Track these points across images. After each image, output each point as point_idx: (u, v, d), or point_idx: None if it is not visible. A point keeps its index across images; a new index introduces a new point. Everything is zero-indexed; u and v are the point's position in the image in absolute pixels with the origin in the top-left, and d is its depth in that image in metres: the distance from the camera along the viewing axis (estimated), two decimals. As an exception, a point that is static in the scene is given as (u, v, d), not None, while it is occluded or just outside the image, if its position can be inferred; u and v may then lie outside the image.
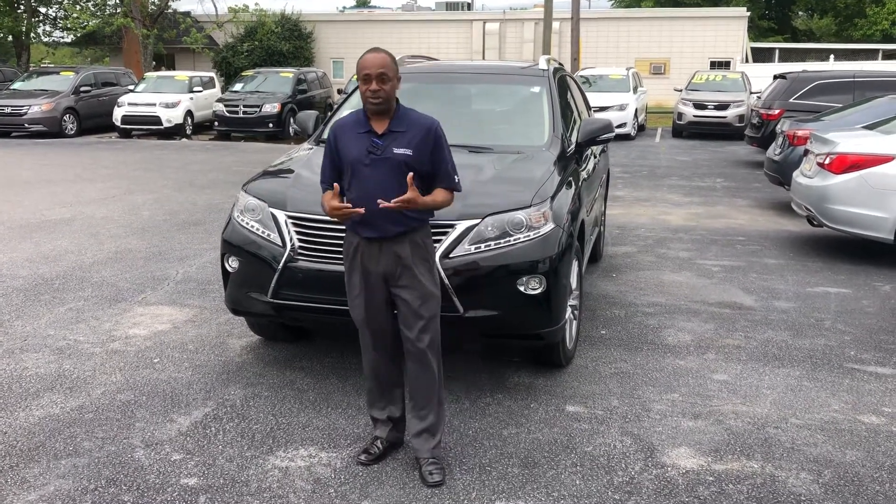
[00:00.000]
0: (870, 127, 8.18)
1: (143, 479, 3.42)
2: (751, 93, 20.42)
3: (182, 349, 5.00)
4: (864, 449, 3.76)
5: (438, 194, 3.38)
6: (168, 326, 5.43)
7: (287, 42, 31.94)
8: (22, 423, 3.93)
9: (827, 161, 7.39)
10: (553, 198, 4.40)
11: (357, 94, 5.91)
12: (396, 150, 3.27)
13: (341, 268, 3.57)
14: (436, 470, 3.44)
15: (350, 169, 3.34)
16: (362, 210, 3.23)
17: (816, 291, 6.43)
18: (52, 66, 29.37)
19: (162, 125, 20.29)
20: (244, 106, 20.21)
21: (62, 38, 33.82)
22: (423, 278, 3.42)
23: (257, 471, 3.50)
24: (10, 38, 30.89)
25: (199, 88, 21.99)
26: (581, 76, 20.85)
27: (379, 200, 3.19)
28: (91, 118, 20.79)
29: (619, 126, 18.10)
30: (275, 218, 4.24)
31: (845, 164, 7.23)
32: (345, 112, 5.78)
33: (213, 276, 6.61)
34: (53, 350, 4.96)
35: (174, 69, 32.09)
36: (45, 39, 32.79)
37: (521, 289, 4.08)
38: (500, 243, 4.09)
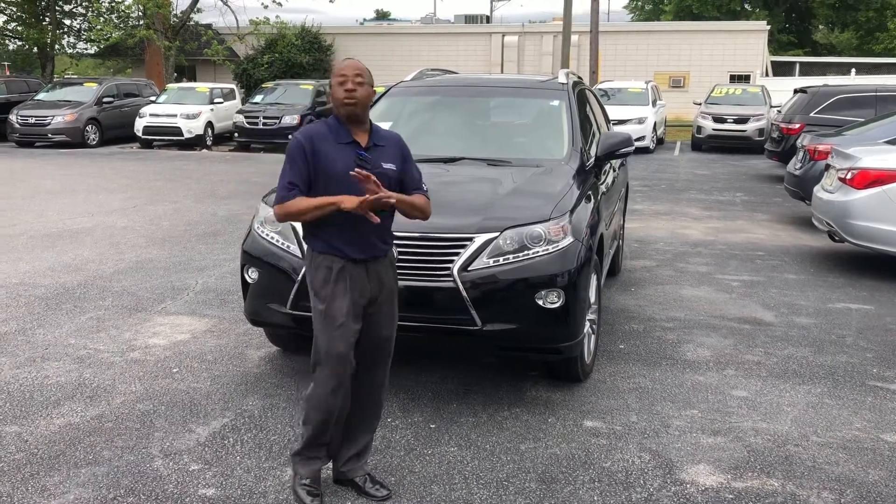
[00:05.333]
0: (892, 142, 8.12)
1: (161, 488, 3.44)
2: (771, 107, 20.31)
3: (201, 359, 5.03)
4: (887, 468, 3.71)
5: (417, 198, 3.28)
6: (187, 336, 5.47)
7: (307, 54, 32.20)
8: (42, 432, 3.97)
9: (849, 176, 7.33)
10: (572, 211, 4.40)
11: (382, 104, 5.96)
12: (385, 165, 3.18)
13: None
14: (379, 486, 3.41)
15: (336, 182, 3.10)
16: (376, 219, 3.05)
17: (838, 307, 6.37)
18: (76, 76, 29.80)
19: (183, 136, 20.47)
20: (264, 117, 20.35)
21: (86, 49, 34.34)
22: (396, 307, 3.37)
23: (275, 482, 3.50)
24: (35, 49, 31.38)
25: (220, 100, 22.19)
26: (599, 89, 20.82)
27: (358, 173, 2.96)
28: (113, 129, 21.02)
29: (638, 139, 18.03)
30: (294, 229, 4.25)
31: (867, 179, 7.17)
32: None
33: (232, 286, 6.65)
34: (74, 359, 5.00)
35: (195, 80, 32.45)
36: (70, 51, 33.27)
37: (540, 302, 4.08)
38: (518, 256, 4.09)
